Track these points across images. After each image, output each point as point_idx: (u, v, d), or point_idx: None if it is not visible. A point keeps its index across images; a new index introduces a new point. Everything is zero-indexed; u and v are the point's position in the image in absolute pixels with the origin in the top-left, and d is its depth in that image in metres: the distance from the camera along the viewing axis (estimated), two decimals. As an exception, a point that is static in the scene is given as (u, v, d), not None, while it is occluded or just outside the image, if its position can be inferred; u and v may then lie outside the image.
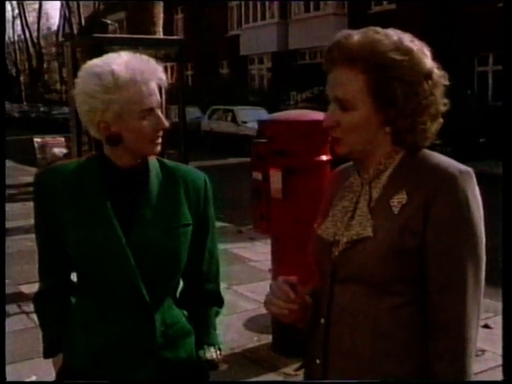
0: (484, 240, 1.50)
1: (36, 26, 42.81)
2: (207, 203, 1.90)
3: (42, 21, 41.92)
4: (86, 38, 6.71)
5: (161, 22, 9.20)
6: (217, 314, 2.03)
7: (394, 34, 1.51)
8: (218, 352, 1.96)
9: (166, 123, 1.76)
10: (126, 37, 8.28)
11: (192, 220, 1.85)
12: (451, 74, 1.57)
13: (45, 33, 42.51)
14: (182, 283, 1.96)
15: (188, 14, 34.65)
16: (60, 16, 42.54)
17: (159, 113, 1.75)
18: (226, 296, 6.27)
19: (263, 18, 29.60)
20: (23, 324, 4.90)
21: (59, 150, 10.68)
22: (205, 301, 1.99)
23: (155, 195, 1.80)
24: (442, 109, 1.55)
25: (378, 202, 1.55)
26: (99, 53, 6.05)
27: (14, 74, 55.51)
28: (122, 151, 1.76)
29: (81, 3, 39.82)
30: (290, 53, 28.12)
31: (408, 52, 1.48)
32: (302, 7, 27.51)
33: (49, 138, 11.40)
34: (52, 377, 1.95)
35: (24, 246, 6.95)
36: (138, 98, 1.69)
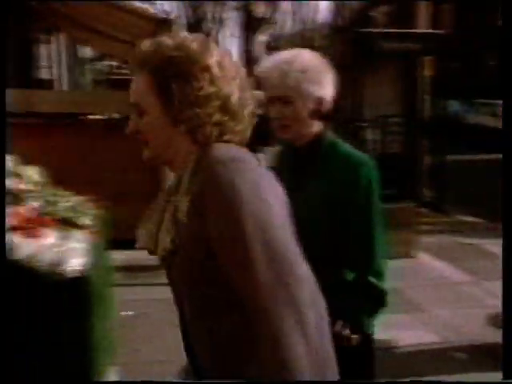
0: (275, 225, 1.38)
1: (308, 20, 44.84)
2: (366, 190, 2.14)
3: (312, 14, 43.74)
4: (352, 32, 7.04)
5: (425, 14, 9.23)
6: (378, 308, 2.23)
7: (185, 35, 1.54)
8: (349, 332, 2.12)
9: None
10: (390, 31, 8.46)
11: (342, 205, 2.14)
12: None
13: (313, 26, 44.26)
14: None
15: (455, 5, 33.57)
16: (329, 10, 44.14)
17: None
18: (473, 289, 6.27)
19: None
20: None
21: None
22: (361, 291, 2.20)
23: (315, 174, 2.18)
24: (246, 108, 1.55)
25: (178, 210, 1.48)
26: (365, 47, 6.31)
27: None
28: None
29: (350, -4, 40.66)
30: None
31: (185, 48, 1.48)
32: None
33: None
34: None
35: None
36: None
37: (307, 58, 2.26)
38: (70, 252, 3.02)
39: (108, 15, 8.79)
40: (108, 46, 12.99)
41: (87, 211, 3.72)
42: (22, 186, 3.70)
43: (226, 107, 1.50)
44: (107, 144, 6.80)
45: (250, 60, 25.63)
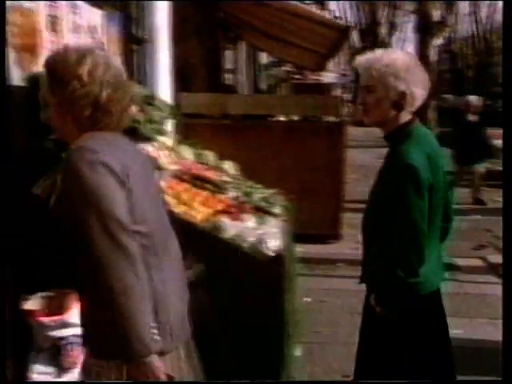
0: (113, 212, 1.85)
1: (487, 20, 43.02)
2: (399, 187, 2.38)
3: (491, 14, 41.89)
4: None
5: None
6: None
7: (72, 49, 2.04)
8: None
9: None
10: None
11: (383, 195, 2.47)
12: None
13: (492, 27, 42.35)
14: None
15: None
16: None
17: None
18: None
19: None
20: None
21: (498, 142, 10.99)
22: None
23: (385, 163, 2.58)
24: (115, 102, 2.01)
25: None
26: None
27: (460, 68, 56.56)
28: None
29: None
30: None
31: (64, 60, 2.00)
32: None
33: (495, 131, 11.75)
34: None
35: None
36: None
37: (396, 56, 2.57)
38: (267, 234, 3.44)
39: (289, 23, 9.24)
40: (287, 53, 13.57)
41: (278, 202, 4.14)
42: (225, 178, 4.19)
43: (96, 104, 2.00)
44: (289, 143, 7.28)
45: (424, 65, 25.14)
